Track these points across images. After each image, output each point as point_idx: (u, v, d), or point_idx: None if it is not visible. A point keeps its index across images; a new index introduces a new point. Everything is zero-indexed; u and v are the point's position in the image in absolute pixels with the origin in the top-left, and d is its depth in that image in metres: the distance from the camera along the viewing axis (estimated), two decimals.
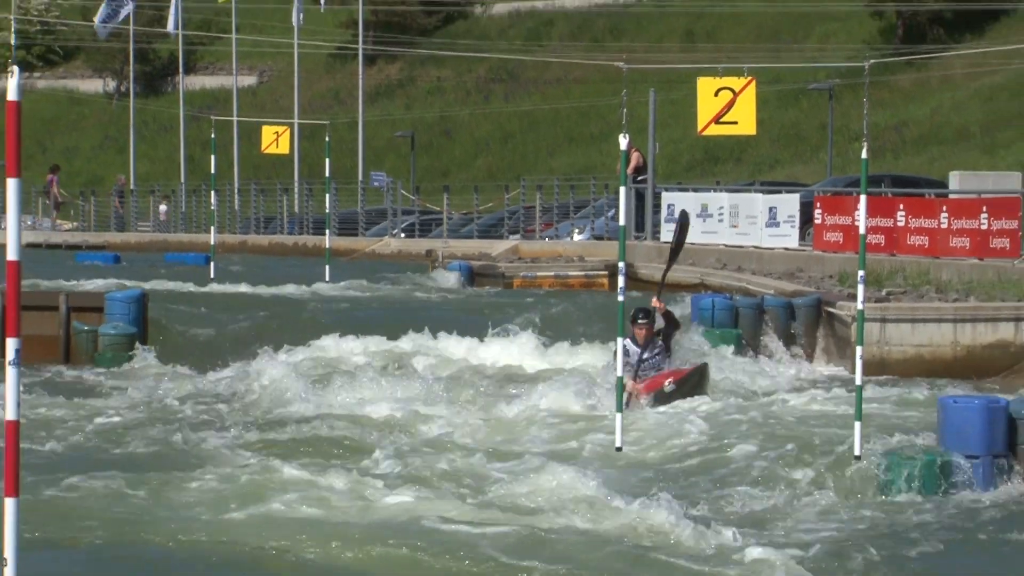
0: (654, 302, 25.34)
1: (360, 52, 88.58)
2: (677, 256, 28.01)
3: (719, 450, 22.76)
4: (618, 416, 21.91)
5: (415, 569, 16.06)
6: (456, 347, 32.48)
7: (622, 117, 23.73)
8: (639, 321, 24.38)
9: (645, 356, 23.39)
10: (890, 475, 20.03)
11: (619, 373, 22.17)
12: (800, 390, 27.76)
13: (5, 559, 10.16)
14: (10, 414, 10.32)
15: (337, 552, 16.61)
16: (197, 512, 18.81)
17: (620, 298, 22.61)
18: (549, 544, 16.74)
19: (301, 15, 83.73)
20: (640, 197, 52.41)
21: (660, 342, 24.72)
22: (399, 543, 17.22)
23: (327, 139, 56.73)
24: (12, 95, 10.02)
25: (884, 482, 20.00)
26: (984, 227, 39.97)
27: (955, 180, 47.66)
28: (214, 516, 18.33)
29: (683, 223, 28.85)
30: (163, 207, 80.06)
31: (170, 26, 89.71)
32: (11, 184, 10.30)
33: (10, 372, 10.30)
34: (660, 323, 25.44)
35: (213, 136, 57.88)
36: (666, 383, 24.57)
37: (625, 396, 22.86)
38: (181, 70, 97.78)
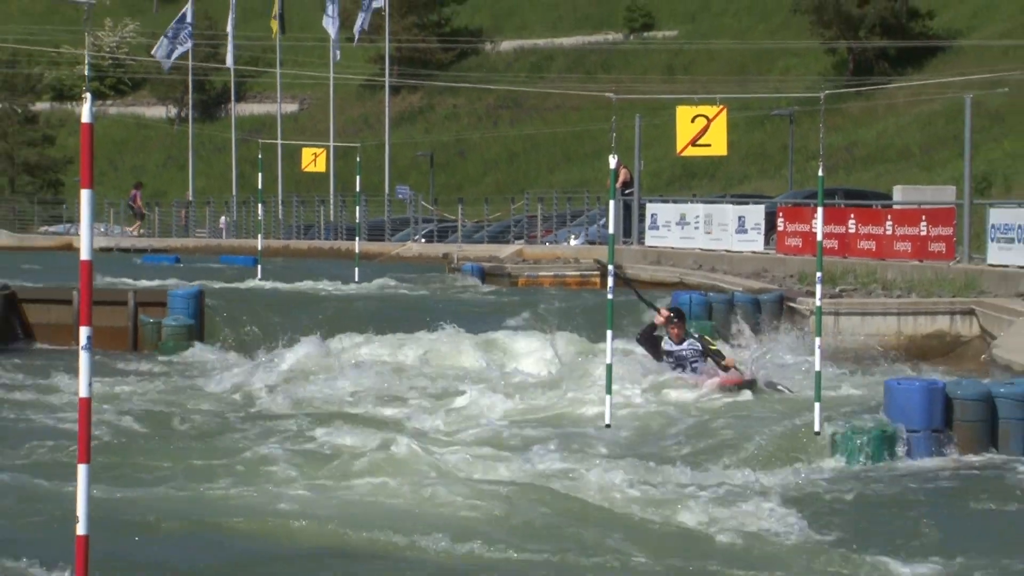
0: (658, 319, 24.95)
1: (387, 84, 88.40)
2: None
3: (697, 427, 22.80)
4: (608, 397, 21.90)
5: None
6: (478, 338, 32.32)
7: (611, 139, 23.56)
8: (672, 321, 24.06)
9: (682, 349, 22.84)
10: (845, 447, 20.14)
11: (608, 360, 22.16)
12: (765, 374, 27.71)
13: (78, 516, 10.18)
14: (83, 392, 10.32)
15: (389, 528, 16.52)
16: (244, 478, 18.79)
17: (609, 296, 22.59)
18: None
19: (337, 52, 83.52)
20: (627, 208, 52.42)
21: (696, 343, 24.29)
22: (458, 503, 17.24)
23: (358, 158, 56.79)
24: (85, 118, 10.05)
25: (840, 453, 20.12)
26: (923, 233, 39.94)
27: (898, 193, 47.65)
28: (263, 485, 18.16)
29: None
30: (223, 219, 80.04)
31: (229, 61, 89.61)
32: (84, 195, 10.31)
33: (83, 356, 10.31)
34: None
35: (260, 156, 57.74)
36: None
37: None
38: (233, 99, 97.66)
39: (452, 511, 16.93)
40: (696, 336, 24.55)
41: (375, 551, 14.92)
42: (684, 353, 24.14)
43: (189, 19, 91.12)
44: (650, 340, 23.85)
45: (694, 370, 24.39)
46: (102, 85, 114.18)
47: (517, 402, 25.97)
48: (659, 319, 23.92)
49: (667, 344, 23.50)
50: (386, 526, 15.87)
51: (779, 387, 24.82)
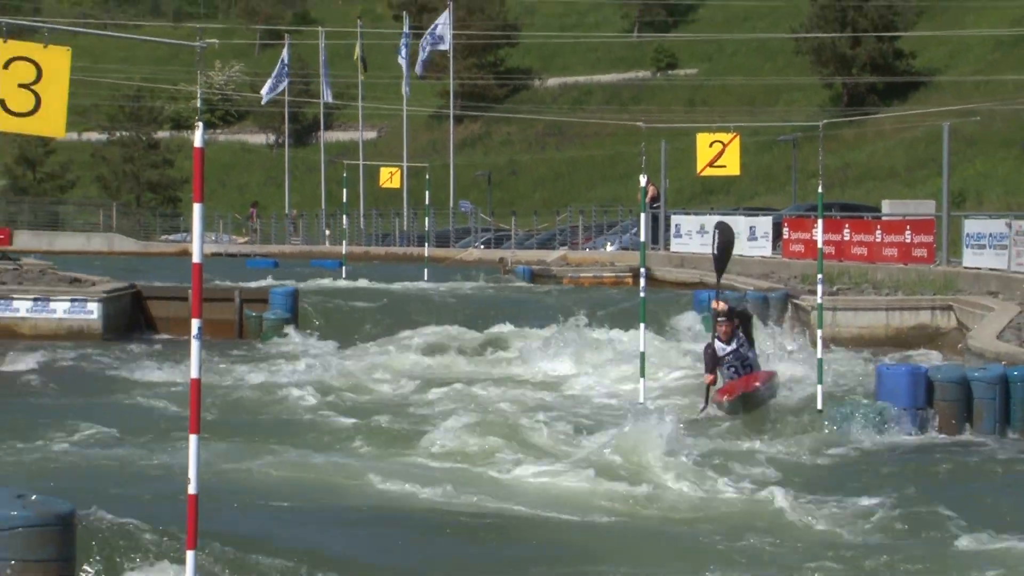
0: (715, 304, 22.69)
1: (451, 114, 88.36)
2: (722, 262, 24.38)
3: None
4: (642, 380, 21.92)
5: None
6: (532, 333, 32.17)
7: (641, 162, 23.60)
8: (719, 320, 22.00)
9: (730, 349, 21.30)
10: (842, 421, 20.17)
11: (642, 349, 22.13)
12: (775, 361, 27.66)
13: (189, 479, 10.14)
14: (194, 373, 10.29)
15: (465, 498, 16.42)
16: (336, 450, 18.87)
17: (642, 294, 22.65)
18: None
19: (407, 88, 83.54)
20: (655, 219, 52.38)
21: (742, 335, 21.98)
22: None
23: (427, 177, 56.67)
24: (198, 144, 10.09)
25: (838, 426, 20.19)
26: (908, 241, 39.77)
27: (886, 206, 47.41)
28: (354, 458, 18.34)
29: (723, 235, 24.69)
30: (327, 231, 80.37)
31: (327, 96, 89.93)
32: (196, 208, 10.29)
33: (194, 343, 10.28)
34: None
35: (345, 175, 57.86)
36: (758, 384, 21.73)
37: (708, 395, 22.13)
38: (322, 128, 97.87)
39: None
40: (742, 335, 22.21)
41: (475, 525, 14.62)
42: (730, 350, 21.91)
43: (286, 61, 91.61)
44: (709, 355, 21.86)
45: (748, 368, 22.17)
46: (212, 116, 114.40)
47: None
48: (715, 304, 22.49)
49: (719, 348, 21.75)
50: (485, 493, 16.04)
51: None
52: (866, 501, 15.79)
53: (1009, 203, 57.56)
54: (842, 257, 41.57)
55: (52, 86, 9.92)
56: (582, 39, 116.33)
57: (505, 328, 32.56)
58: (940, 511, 15.20)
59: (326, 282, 43.10)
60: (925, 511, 15.32)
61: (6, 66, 9.88)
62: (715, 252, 24.50)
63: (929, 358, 26.72)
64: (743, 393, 21.36)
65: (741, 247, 48.58)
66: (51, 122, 9.90)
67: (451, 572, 13.22)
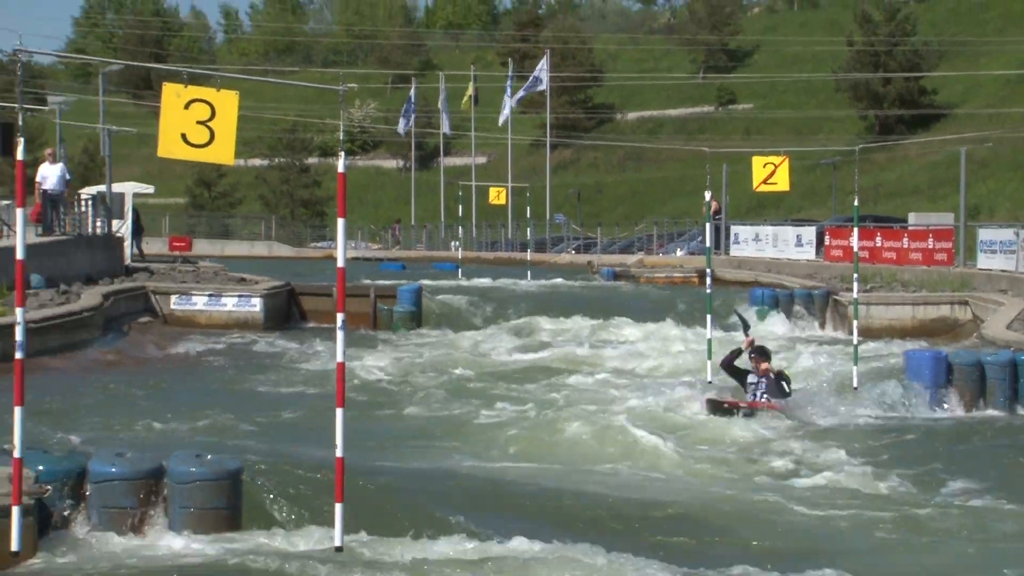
0: (745, 344, 20.28)
1: (547, 143, 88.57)
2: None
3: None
4: (708, 362, 21.77)
5: None
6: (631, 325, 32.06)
7: (707, 181, 23.54)
8: (750, 355, 20.01)
9: (753, 380, 19.39)
10: (873, 397, 20.15)
11: (708, 336, 21.99)
12: (814, 347, 27.53)
13: (336, 444, 10.19)
14: (339, 357, 10.34)
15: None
16: (467, 427, 18.59)
17: (708, 291, 22.52)
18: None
19: (505, 118, 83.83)
20: (717, 229, 52.05)
21: (773, 376, 19.50)
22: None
23: (528, 195, 56.99)
24: (340, 169, 10.16)
25: (871, 402, 19.99)
26: (930, 247, 39.41)
27: (912, 218, 46.92)
28: (485, 432, 18.08)
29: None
30: (455, 242, 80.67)
31: (445, 128, 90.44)
32: (340, 222, 10.35)
33: (339, 333, 10.33)
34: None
35: (460, 194, 58.35)
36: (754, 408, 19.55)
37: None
38: (441, 154, 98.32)
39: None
40: (774, 373, 19.95)
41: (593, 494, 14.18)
42: (753, 380, 19.74)
43: (412, 100, 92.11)
44: (732, 368, 20.14)
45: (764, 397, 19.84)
46: (352, 146, 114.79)
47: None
48: (745, 344, 20.32)
49: (751, 377, 19.80)
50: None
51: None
52: (895, 464, 15.73)
53: (1017, 215, 57.15)
54: (875, 260, 41.18)
55: (223, 123, 10.01)
56: (657, 80, 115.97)
57: (593, 321, 32.37)
58: (958, 474, 15.15)
59: (445, 282, 43.23)
60: (944, 474, 15.24)
61: (187, 107, 9.99)
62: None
63: (948, 345, 26.42)
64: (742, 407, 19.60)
65: (790, 252, 48.49)
66: (222, 152, 10.00)
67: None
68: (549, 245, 73.08)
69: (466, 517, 11.79)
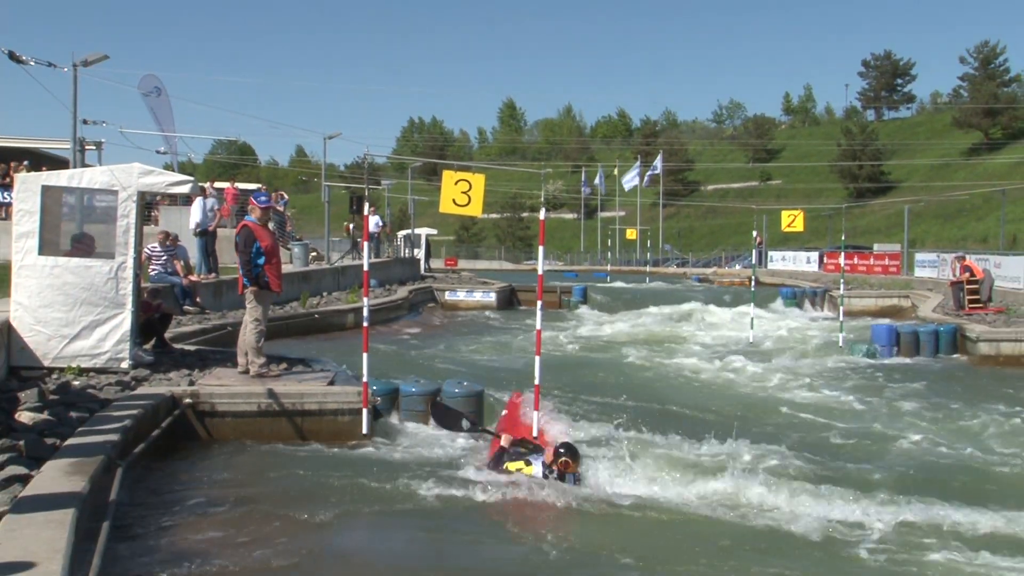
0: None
1: (661, 203, 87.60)
2: None
3: (788, 341, 21.95)
4: (751, 331, 21.28)
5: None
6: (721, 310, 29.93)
7: (754, 225, 22.90)
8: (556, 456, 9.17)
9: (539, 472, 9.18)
10: (852, 351, 19.58)
11: (751, 315, 21.42)
12: (817, 323, 26.62)
13: (535, 375, 10.08)
14: (538, 325, 10.29)
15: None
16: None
17: (752, 288, 21.89)
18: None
19: (634, 187, 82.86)
20: (760, 253, 50.54)
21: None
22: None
23: (648, 233, 55.92)
24: (541, 217, 9.94)
25: (850, 353, 19.48)
26: (887, 264, 38.45)
27: (876, 247, 45.55)
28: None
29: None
30: (608, 265, 79.51)
31: (602, 192, 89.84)
32: (540, 249, 10.29)
33: (539, 312, 10.25)
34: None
35: (609, 233, 57.43)
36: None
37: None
38: (599, 209, 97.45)
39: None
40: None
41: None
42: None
43: (584, 180, 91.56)
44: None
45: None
46: (547, 205, 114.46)
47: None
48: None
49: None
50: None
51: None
52: (864, 388, 15.16)
53: (938, 245, 55.64)
54: (854, 272, 39.87)
55: (476, 192, 10.09)
56: (725, 166, 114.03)
57: (691, 305, 31.16)
58: (903, 395, 14.57)
59: (598, 283, 42.89)
60: (896, 394, 14.69)
61: (456, 183, 10.11)
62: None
63: (899, 321, 25.53)
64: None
65: (802, 267, 47.14)
66: (475, 209, 10.06)
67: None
68: (661, 263, 72.10)
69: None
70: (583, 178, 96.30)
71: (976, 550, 7.10)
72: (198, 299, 17.71)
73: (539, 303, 10.35)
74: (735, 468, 8.93)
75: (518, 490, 8.23)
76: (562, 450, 8.55)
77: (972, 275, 22.97)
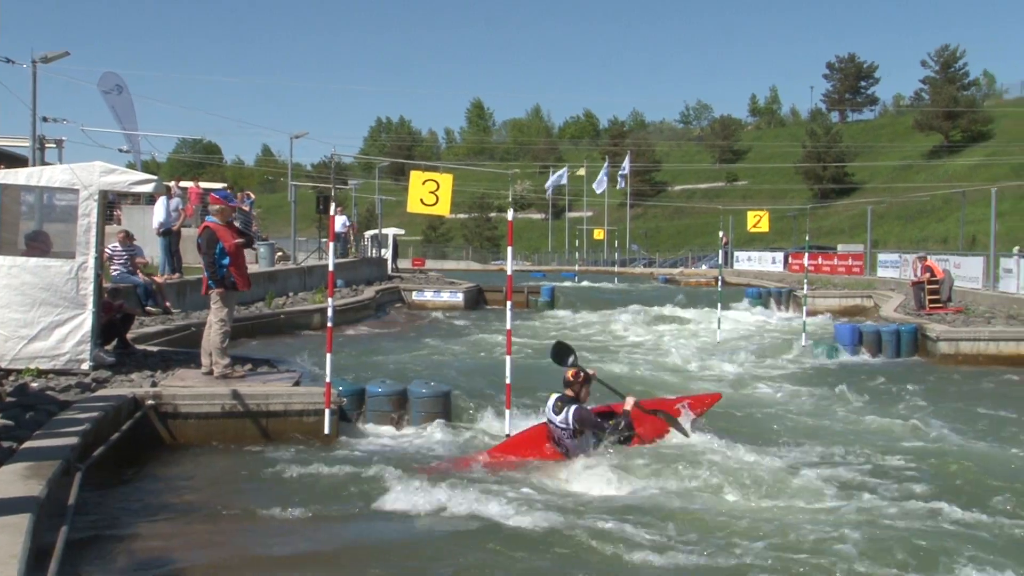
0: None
1: (628, 203, 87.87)
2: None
3: (752, 338, 22.04)
4: (718, 331, 21.27)
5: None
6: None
7: (720, 225, 22.98)
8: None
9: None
10: (815, 351, 19.67)
11: (718, 315, 21.50)
12: (781, 323, 26.80)
13: (506, 374, 10.10)
14: (508, 325, 10.23)
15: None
16: None
17: (719, 288, 21.98)
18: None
19: (604, 188, 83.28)
20: (726, 253, 50.92)
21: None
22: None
23: (615, 233, 56.13)
24: (509, 218, 10.01)
25: (813, 354, 19.54)
26: (850, 264, 38.76)
27: (840, 247, 46.13)
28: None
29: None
30: (576, 263, 79.63)
31: (565, 192, 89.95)
32: (508, 249, 10.21)
33: (508, 312, 10.20)
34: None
35: (576, 234, 57.56)
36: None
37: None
38: (567, 210, 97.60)
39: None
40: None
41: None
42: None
43: (551, 180, 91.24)
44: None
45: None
46: (515, 206, 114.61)
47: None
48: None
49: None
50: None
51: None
52: (828, 386, 15.24)
53: (900, 246, 56.22)
54: (818, 272, 40.26)
55: (443, 192, 10.08)
56: (691, 166, 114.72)
57: (664, 309, 31.45)
58: (861, 390, 14.67)
59: (568, 284, 42.90)
60: (857, 387, 14.80)
61: (423, 183, 10.08)
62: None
63: (862, 320, 25.78)
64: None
65: (768, 267, 47.48)
66: (443, 209, 10.05)
67: None
68: (628, 263, 72.36)
69: None
70: (551, 179, 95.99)
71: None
72: (167, 303, 17.49)
73: (508, 303, 10.32)
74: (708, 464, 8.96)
75: (482, 487, 8.21)
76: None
77: (933, 275, 23.29)
